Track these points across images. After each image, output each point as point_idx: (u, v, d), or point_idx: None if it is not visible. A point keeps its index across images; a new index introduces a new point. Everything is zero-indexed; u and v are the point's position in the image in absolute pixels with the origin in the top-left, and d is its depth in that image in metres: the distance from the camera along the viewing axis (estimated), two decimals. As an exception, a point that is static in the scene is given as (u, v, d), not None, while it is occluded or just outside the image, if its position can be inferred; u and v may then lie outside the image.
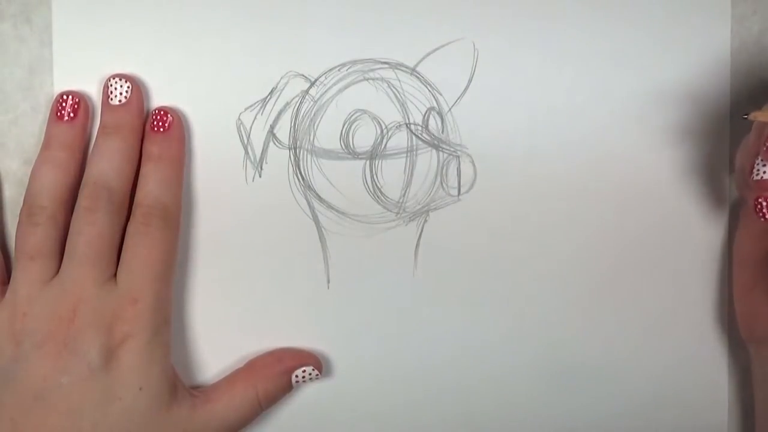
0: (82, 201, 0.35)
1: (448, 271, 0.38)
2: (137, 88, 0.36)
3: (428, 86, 0.38)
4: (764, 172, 0.29)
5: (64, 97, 0.36)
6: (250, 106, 0.38)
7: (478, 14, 0.38)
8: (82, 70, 0.37)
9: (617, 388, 0.39)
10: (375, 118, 0.38)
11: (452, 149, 0.38)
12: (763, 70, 0.39)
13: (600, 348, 0.39)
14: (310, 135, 0.38)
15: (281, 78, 0.38)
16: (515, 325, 0.39)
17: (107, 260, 0.34)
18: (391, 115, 0.38)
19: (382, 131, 0.38)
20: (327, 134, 0.38)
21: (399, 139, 0.38)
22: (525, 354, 0.39)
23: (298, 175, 0.38)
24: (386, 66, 0.38)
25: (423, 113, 0.38)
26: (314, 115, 0.38)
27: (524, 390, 0.39)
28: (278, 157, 0.38)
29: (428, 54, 0.38)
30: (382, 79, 0.38)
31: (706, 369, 0.39)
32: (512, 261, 0.39)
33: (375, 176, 0.38)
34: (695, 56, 0.39)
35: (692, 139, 0.39)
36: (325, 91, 0.38)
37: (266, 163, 0.38)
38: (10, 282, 0.35)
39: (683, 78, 0.39)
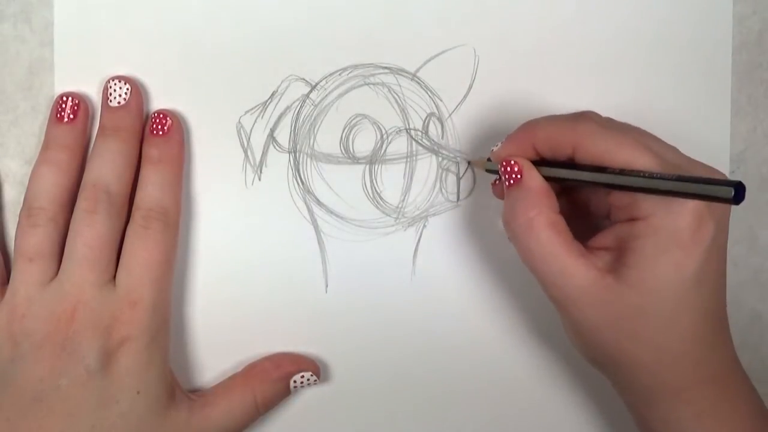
0: (82, 203, 0.35)
1: (447, 276, 0.39)
2: (137, 89, 0.36)
3: (429, 92, 0.38)
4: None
5: (64, 98, 0.36)
6: (251, 109, 0.38)
7: (480, 21, 0.38)
8: (82, 70, 0.37)
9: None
10: (375, 123, 0.38)
11: (452, 155, 0.38)
12: (763, 70, 0.39)
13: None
14: (310, 139, 0.38)
15: (282, 81, 0.38)
16: (513, 330, 0.39)
17: (106, 262, 0.34)
18: (391, 120, 0.38)
19: (382, 136, 0.38)
20: (327, 138, 0.38)
21: (399, 145, 0.38)
22: (523, 358, 0.39)
23: (298, 179, 0.38)
24: (387, 71, 0.38)
25: (423, 119, 0.38)
26: (314, 119, 0.38)
27: (523, 393, 0.39)
28: (278, 161, 0.38)
29: (429, 60, 0.38)
30: (383, 84, 0.38)
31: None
32: (510, 267, 0.39)
33: (374, 181, 0.38)
34: (695, 56, 0.39)
35: (692, 139, 0.39)
36: (326, 96, 0.38)
37: (266, 166, 0.38)
38: (9, 283, 0.35)
39: (684, 78, 0.39)
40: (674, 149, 0.33)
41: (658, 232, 0.31)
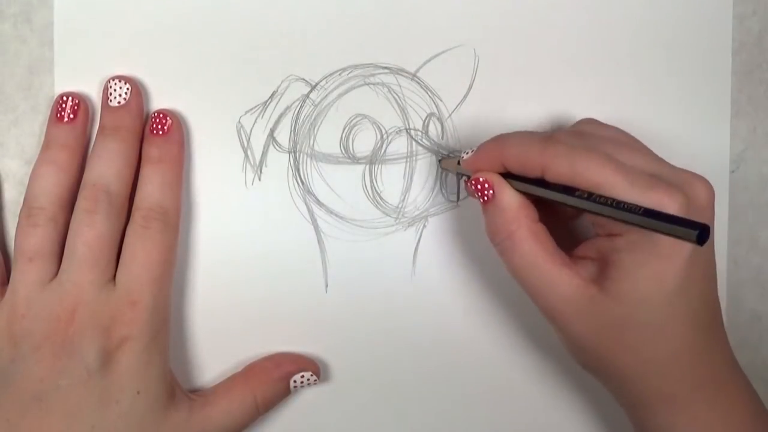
0: (82, 203, 0.35)
1: (447, 276, 0.39)
2: (137, 89, 0.36)
3: (429, 92, 0.38)
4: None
5: (64, 98, 0.36)
6: (251, 109, 0.38)
7: (479, 21, 0.38)
8: (82, 70, 0.37)
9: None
10: (375, 123, 0.38)
11: (452, 155, 0.38)
12: (763, 71, 0.39)
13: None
14: (310, 139, 0.38)
15: (282, 81, 0.38)
16: (513, 329, 0.39)
17: (106, 262, 0.34)
18: (391, 120, 0.38)
19: (382, 136, 0.38)
20: (327, 138, 0.38)
21: (399, 145, 0.38)
22: (523, 358, 0.39)
23: (298, 179, 0.38)
24: (387, 71, 0.38)
25: (423, 119, 0.38)
26: (314, 119, 0.38)
27: (522, 392, 0.39)
28: (278, 161, 0.38)
29: (429, 60, 0.38)
30: (383, 84, 0.38)
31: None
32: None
33: (374, 181, 0.38)
34: (695, 56, 0.39)
35: (692, 139, 0.39)
36: (326, 96, 0.38)
37: (266, 166, 0.38)
38: (9, 283, 0.35)
39: (684, 78, 0.39)
40: (654, 158, 0.32)
41: (636, 246, 0.31)
